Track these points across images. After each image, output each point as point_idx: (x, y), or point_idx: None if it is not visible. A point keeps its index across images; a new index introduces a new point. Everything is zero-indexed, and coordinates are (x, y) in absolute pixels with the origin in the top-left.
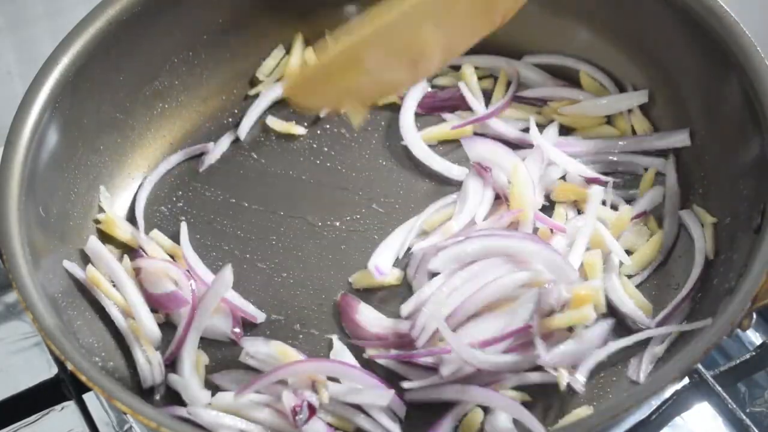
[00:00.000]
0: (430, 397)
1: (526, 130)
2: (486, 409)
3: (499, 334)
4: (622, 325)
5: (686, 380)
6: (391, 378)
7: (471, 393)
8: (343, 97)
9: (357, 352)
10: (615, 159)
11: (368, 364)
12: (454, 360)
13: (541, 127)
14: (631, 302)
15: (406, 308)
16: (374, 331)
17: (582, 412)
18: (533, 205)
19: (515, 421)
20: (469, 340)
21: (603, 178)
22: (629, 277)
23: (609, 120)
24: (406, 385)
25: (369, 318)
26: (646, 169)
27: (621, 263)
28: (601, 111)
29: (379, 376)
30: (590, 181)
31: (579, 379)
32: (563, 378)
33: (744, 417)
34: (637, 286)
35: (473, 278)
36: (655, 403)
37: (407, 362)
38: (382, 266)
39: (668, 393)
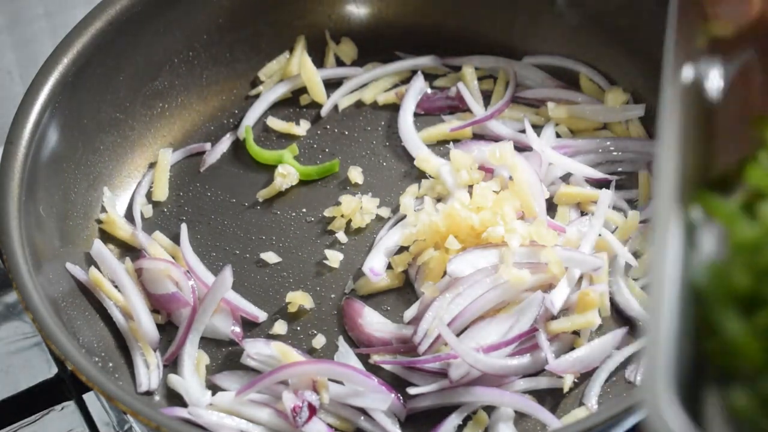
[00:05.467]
0: (436, 402)
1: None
2: (490, 414)
3: (503, 338)
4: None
5: None
6: (395, 382)
7: (478, 394)
8: None
9: (361, 354)
10: (614, 158)
11: (373, 368)
12: (462, 363)
13: (539, 128)
14: (638, 305)
15: (409, 313)
16: (378, 336)
17: (581, 412)
18: (540, 193)
19: (518, 423)
20: (474, 345)
21: (609, 177)
22: (635, 280)
23: (605, 125)
24: (412, 391)
25: (373, 322)
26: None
27: (628, 266)
28: (599, 117)
29: (383, 379)
30: (597, 182)
31: (592, 399)
32: (569, 382)
33: None
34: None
35: (476, 282)
36: None
37: (412, 367)
38: (377, 268)
39: None
